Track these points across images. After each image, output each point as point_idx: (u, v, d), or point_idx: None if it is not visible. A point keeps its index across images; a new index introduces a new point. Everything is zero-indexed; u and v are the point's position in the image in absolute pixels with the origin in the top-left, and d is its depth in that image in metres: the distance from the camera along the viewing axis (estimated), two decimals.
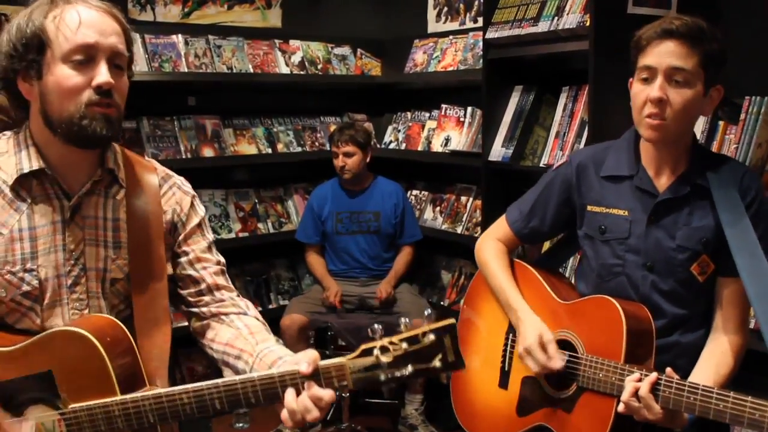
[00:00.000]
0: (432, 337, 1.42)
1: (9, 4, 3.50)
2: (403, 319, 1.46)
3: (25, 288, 1.57)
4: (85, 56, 1.51)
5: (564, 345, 2.05)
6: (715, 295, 1.97)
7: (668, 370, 1.81)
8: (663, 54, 1.85)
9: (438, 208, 4.46)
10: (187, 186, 1.80)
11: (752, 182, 1.93)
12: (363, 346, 1.47)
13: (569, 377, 2.01)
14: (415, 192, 4.68)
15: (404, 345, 1.43)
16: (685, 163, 1.97)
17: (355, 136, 4.16)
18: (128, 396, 1.51)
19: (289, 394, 1.48)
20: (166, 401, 1.50)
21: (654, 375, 1.79)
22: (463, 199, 4.32)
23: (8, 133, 1.65)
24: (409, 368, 1.43)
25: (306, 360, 1.48)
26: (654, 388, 1.79)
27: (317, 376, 1.48)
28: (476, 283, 2.35)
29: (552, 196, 2.17)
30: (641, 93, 1.89)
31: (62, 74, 1.50)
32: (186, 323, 1.81)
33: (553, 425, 2.02)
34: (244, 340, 1.69)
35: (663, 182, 1.98)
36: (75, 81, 1.50)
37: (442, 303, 4.34)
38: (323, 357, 1.51)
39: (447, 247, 4.40)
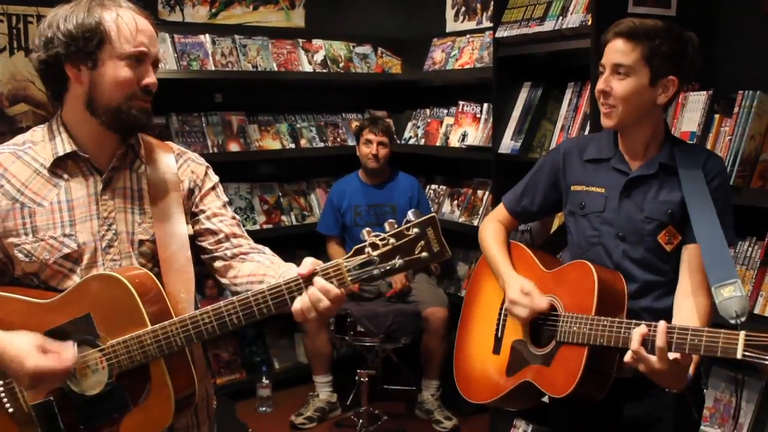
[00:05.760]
0: (416, 230, 1.56)
1: (50, 6, 3.69)
2: (389, 220, 1.61)
3: (66, 251, 1.78)
4: (139, 58, 1.74)
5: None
6: (682, 262, 2.13)
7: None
8: (610, 52, 2.11)
9: (455, 202, 4.59)
10: (201, 159, 2.00)
11: (715, 164, 2.13)
12: (355, 247, 1.62)
13: (551, 336, 2.18)
14: (433, 186, 4.81)
15: (392, 240, 1.57)
16: (658, 149, 2.17)
17: (388, 128, 4.33)
18: (157, 325, 1.70)
19: (297, 300, 1.65)
20: (191, 324, 1.69)
21: (664, 323, 1.87)
22: (480, 192, 4.44)
23: (40, 126, 1.87)
24: (399, 260, 1.57)
25: (304, 264, 1.65)
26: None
27: (316, 276, 1.64)
28: (479, 267, 2.55)
29: (541, 178, 2.40)
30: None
31: (118, 70, 1.73)
32: None
33: (534, 379, 2.19)
34: (266, 267, 1.86)
35: (636, 164, 2.19)
36: (128, 76, 1.73)
37: (459, 294, 4.46)
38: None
39: (464, 240, 4.50)
